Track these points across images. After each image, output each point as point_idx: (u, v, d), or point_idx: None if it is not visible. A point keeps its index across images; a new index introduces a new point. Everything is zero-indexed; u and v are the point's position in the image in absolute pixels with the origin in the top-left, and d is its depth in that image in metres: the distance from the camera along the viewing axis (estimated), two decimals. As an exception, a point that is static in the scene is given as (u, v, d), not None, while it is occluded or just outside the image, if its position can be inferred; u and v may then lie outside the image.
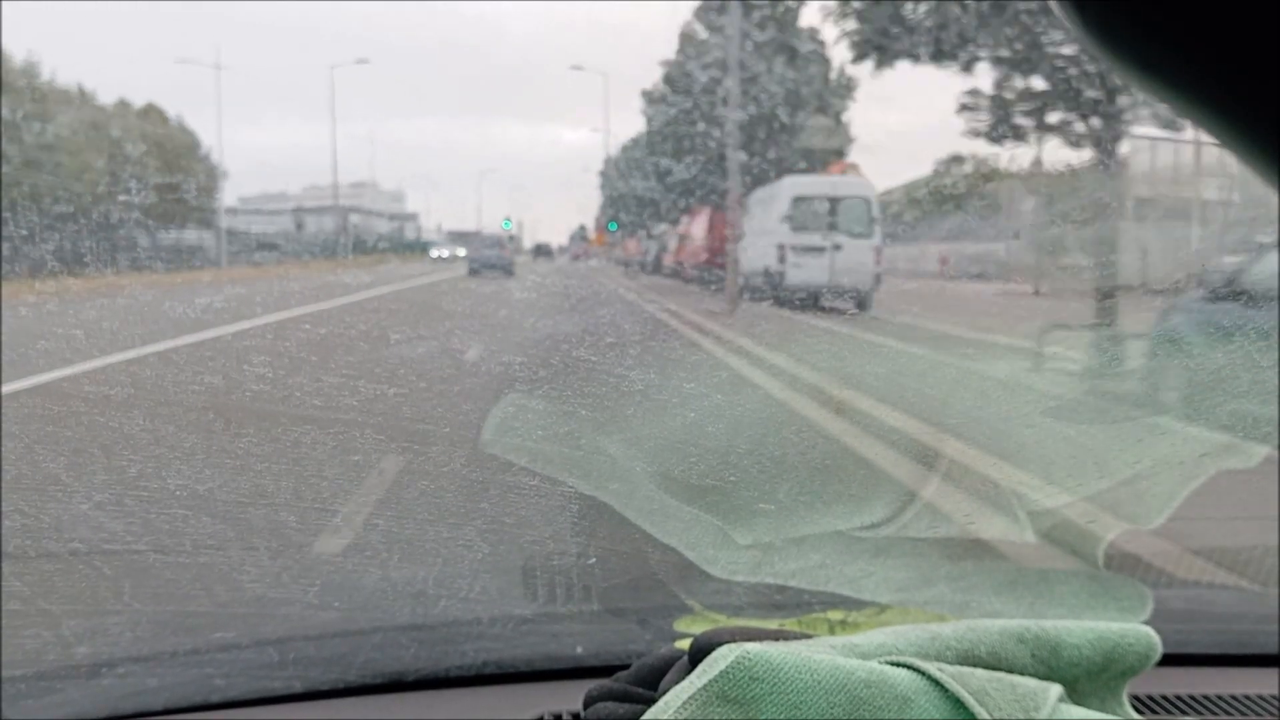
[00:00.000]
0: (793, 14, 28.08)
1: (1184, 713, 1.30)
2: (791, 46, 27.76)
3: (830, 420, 3.58)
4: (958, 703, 0.61)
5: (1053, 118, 13.13)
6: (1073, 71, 12.44)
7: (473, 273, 20.88)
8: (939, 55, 13.55)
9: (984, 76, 13.89)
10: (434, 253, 34.39)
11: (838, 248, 15.56)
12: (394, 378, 3.12)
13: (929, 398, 3.00)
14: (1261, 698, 1.34)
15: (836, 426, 3.44)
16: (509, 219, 51.65)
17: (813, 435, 3.18)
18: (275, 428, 2.23)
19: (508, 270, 20.64)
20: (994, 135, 14.17)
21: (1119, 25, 0.36)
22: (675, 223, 33.31)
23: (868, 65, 14.78)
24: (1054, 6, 0.38)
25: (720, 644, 0.63)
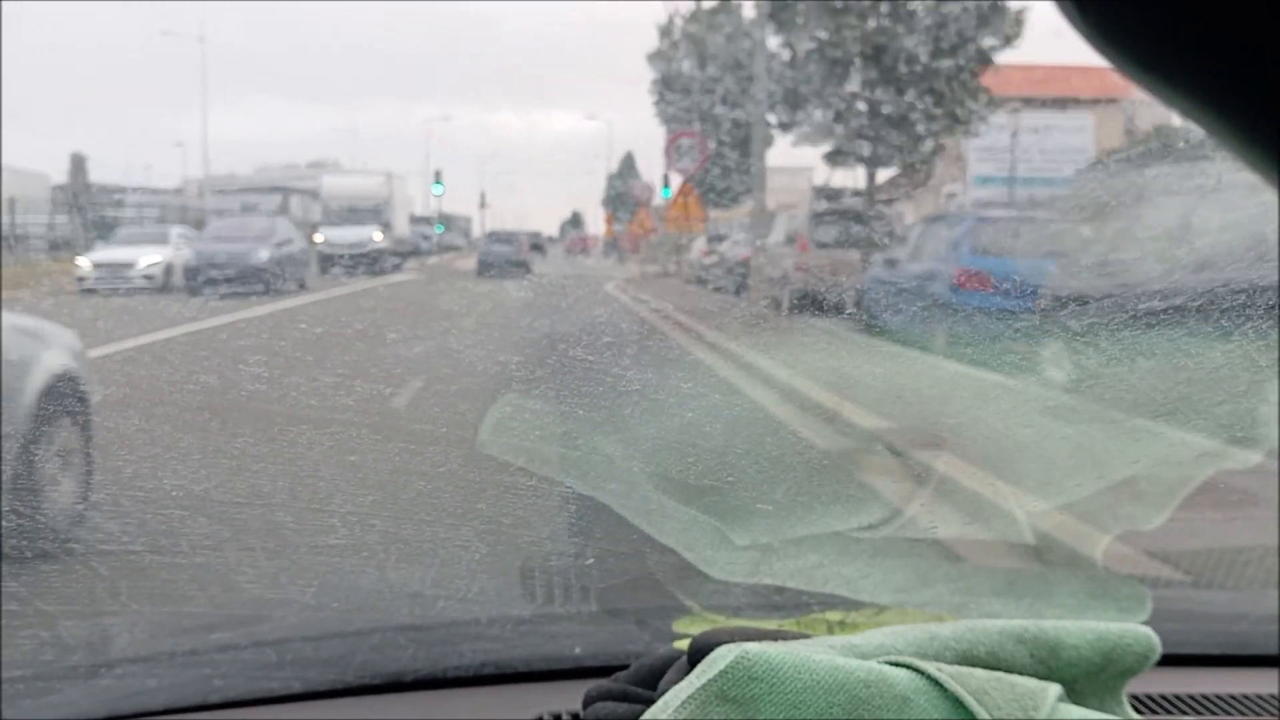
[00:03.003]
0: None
1: (1183, 713, 1.30)
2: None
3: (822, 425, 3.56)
4: (957, 702, 0.61)
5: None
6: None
7: (482, 272, 17.82)
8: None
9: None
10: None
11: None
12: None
13: (928, 396, 3.00)
14: (1261, 698, 1.34)
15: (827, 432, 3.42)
16: (440, 180, 32.23)
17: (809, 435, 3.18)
18: (271, 427, 2.23)
19: (524, 268, 17.14)
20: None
21: (1119, 25, 0.36)
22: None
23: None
24: (1054, 6, 0.38)
25: (719, 644, 0.63)
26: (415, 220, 35.96)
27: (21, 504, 2.28)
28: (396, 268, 18.96)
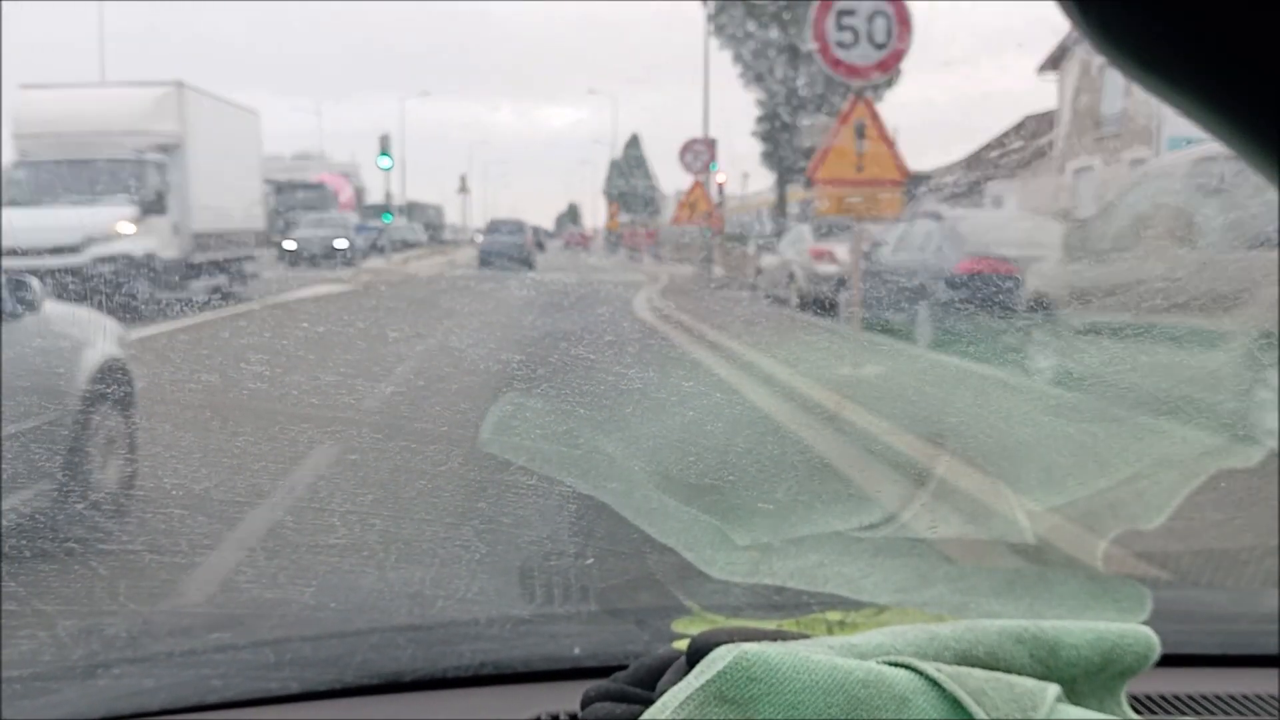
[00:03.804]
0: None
1: (1183, 713, 1.30)
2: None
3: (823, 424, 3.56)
4: (955, 703, 0.61)
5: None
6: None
7: (484, 263, 17.03)
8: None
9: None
10: None
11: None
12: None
13: (929, 395, 2.99)
14: (1261, 698, 1.34)
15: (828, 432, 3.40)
16: (387, 150, 24.66)
17: (810, 434, 3.17)
18: (272, 426, 2.23)
19: (527, 262, 16.31)
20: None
21: (1120, 24, 0.36)
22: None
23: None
24: (1055, 6, 0.38)
25: (718, 644, 0.63)
26: (365, 209, 28.12)
27: (70, 499, 2.28)
28: (205, 306, 7.11)
